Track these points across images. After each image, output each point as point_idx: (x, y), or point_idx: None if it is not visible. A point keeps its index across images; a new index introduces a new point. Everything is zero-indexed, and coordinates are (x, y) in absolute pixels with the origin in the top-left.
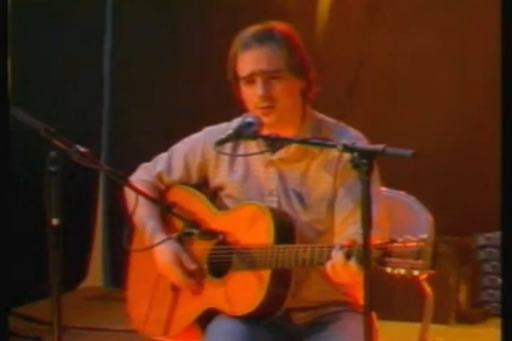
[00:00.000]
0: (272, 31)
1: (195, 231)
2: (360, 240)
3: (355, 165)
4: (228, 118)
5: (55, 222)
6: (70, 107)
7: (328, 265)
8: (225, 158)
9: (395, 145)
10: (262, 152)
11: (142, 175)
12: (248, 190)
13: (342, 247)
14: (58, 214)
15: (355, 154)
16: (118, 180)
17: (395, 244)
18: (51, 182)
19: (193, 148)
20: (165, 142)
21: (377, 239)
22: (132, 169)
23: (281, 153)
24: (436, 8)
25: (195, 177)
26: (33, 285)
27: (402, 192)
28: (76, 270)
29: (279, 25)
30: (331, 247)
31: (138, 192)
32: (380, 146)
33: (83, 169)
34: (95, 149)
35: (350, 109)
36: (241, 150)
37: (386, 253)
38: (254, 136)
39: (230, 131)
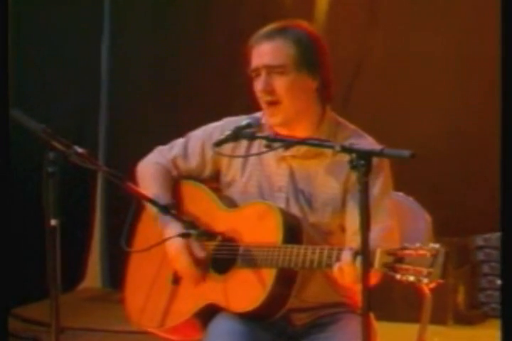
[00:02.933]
0: (286, 28)
1: (193, 231)
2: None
3: (353, 166)
4: (227, 116)
5: (53, 222)
6: (67, 107)
7: (336, 266)
8: (241, 152)
9: (394, 146)
10: (265, 152)
11: (156, 158)
12: (259, 184)
13: (351, 249)
14: (57, 214)
15: (354, 155)
16: (116, 181)
17: (406, 251)
18: (49, 183)
19: (211, 137)
20: (163, 142)
21: None
22: (130, 169)
23: (293, 150)
24: (435, 8)
25: (209, 168)
26: (32, 286)
27: (401, 193)
28: (74, 271)
29: (297, 23)
30: (340, 249)
31: (137, 193)
32: (378, 147)
33: (82, 170)
34: (93, 149)
35: (349, 110)
36: (256, 147)
37: (397, 259)
38: (252, 137)
39: (228, 132)
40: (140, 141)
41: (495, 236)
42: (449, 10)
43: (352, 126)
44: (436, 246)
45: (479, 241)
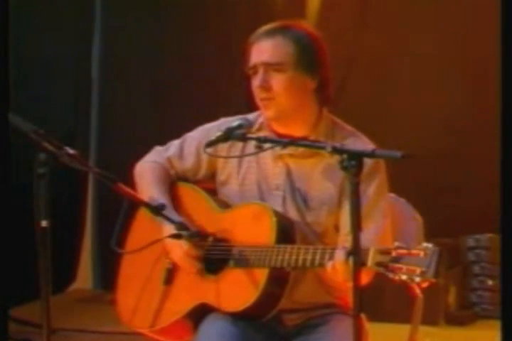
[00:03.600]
0: (286, 27)
1: (184, 233)
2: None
3: (344, 167)
4: (219, 116)
5: (44, 223)
6: (58, 107)
7: (330, 264)
8: (237, 151)
9: (384, 147)
10: (255, 152)
11: (154, 157)
12: (256, 182)
13: (344, 248)
14: (47, 215)
15: (344, 156)
16: (107, 182)
17: (399, 250)
18: (40, 184)
19: (207, 137)
20: (155, 142)
21: None
22: (122, 171)
23: (291, 149)
24: (427, 7)
25: (204, 168)
26: (23, 288)
27: (392, 195)
28: (65, 272)
29: (298, 23)
30: (333, 249)
31: (128, 194)
32: (369, 148)
33: (72, 170)
34: (84, 149)
35: (339, 109)
36: (251, 146)
37: (390, 258)
38: (244, 138)
39: (219, 133)
40: (132, 142)
41: (485, 237)
42: (440, 9)
43: (349, 127)
44: (430, 245)
45: (470, 241)
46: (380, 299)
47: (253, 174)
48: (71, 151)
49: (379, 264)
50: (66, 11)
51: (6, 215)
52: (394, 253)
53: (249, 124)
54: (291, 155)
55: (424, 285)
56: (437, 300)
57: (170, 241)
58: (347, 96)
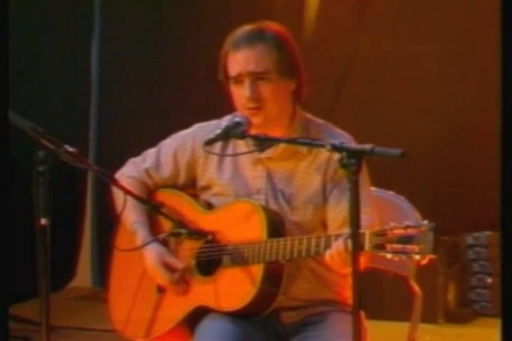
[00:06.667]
0: (263, 32)
1: (183, 231)
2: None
3: (343, 165)
4: (216, 117)
5: (43, 221)
6: (57, 106)
7: (328, 253)
8: (215, 156)
9: (384, 145)
10: (250, 151)
11: (130, 171)
12: (236, 188)
13: (339, 236)
14: (47, 213)
15: (344, 154)
16: (106, 180)
17: (395, 231)
18: (39, 182)
19: (183, 145)
20: (152, 141)
21: None
22: (120, 168)
23: (269, 152)
24: (424, 7)
25: (183, 176)
26: (22, 285)
27: (391, 192)
28: (64, 270)
29: (270, 26)
30: (328, 236)
31: (126, 191)
32: (368, 146)
33: (72, 168)
34: (83, 148)
35: (338, 109)
36: (230, 149)
37: (387, 239)
38: (243, 136)
39: (218, 131)
40: (130, 141)
41: (485, 235)
42: (439, 8)
43: (320, 121)
44: (425, 222)
45: (469, 239)
46: (379, 297)
47: (233, 179)
48: (70, 149)
49: (377, 246)
50: (65, 10)
51: (6, 213)
52: (390, 234)
53: (249, 122)
54: (269, 159)
55: (424, 262)
56: (436, 298)
57: (149, 266)
58: (346, 96)
